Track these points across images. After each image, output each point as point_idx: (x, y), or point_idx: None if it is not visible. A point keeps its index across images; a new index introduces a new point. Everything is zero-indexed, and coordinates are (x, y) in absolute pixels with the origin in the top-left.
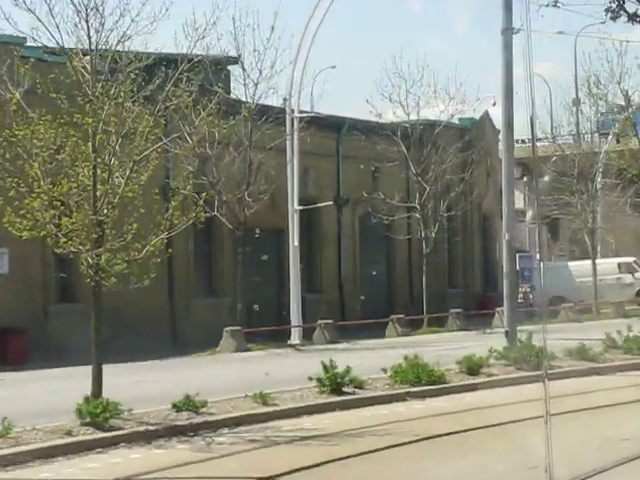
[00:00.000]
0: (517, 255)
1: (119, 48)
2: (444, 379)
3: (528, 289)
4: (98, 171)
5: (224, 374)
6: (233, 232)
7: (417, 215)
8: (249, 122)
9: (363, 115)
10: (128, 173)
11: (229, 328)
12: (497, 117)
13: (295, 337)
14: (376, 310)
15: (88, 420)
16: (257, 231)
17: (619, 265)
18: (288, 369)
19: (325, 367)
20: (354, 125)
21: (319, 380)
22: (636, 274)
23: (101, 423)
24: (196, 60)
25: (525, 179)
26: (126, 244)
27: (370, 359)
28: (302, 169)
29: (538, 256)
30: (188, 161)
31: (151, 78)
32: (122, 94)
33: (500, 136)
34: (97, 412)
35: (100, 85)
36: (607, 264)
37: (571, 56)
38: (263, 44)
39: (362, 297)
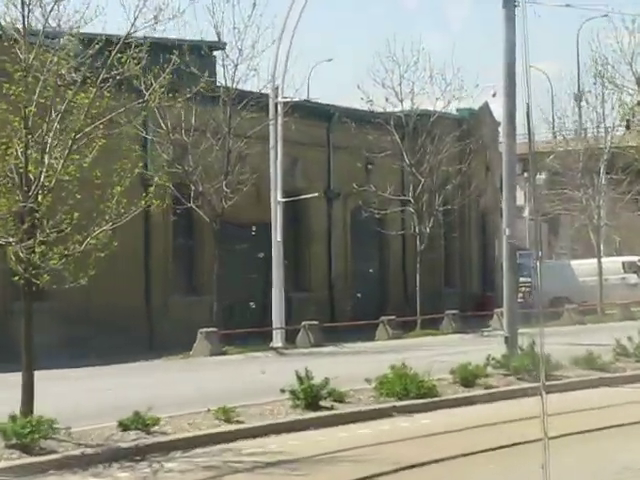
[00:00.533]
0: (517, 253)
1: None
2: (435, 391)
3: (528, 288)
4: (30, 151)
5: (191, 382)
6: (223, 225)
7: (411, 209)
8: (228, 107)
9: (356, 103)
10: (66, 153)
11: (204, 329)
12: (497, 109)
13: (277, 339)
14: (368, 310)
15: (14, 442)
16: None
17: (623, 264)
18: (264, 375)
19: (299, 378)
20: (346, 114)
21: (292, 393)
22: None
23: (30, 445)
24: (142, 40)
25: (526, 175)
26: (64, 236)
27: (356, 365)
28: (290, 160)
29: (540, 254)
30: (162, 149)
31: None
32: (61, 61)
33: (500, 127)
34: (24, 432)
35: (34, 51)
36: (611, 263)
37: (574, 54)
38: (244, 21)
39: (358, 295)
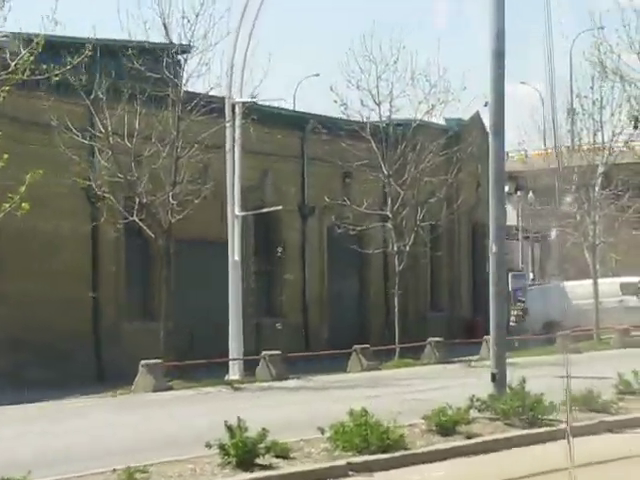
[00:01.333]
0: (509, 274)
1: None
2: (403, 443)
3: (521, 312)
4: None
5: (113, 427)
6: (176, 244)
7: (389, 225)
8: (176, 107)
9: (334, 110)
10: None
11: (146, 361)
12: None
13: (234, 372)
14: (346, 337)
15: None
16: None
17: (621, 286)
18: (206, 418)
19: (230, 429)
20: (321, 122)
21: (222, 448)
22: None
23: None
24: None
25: (519, 194)
26: None
27: (318, 404)
28: (260, 172)
29: (531, 275)
30: (103, 156)
31: None
32: None
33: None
34: None
35: None
36: (608, 284)
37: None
38: (194, 10)
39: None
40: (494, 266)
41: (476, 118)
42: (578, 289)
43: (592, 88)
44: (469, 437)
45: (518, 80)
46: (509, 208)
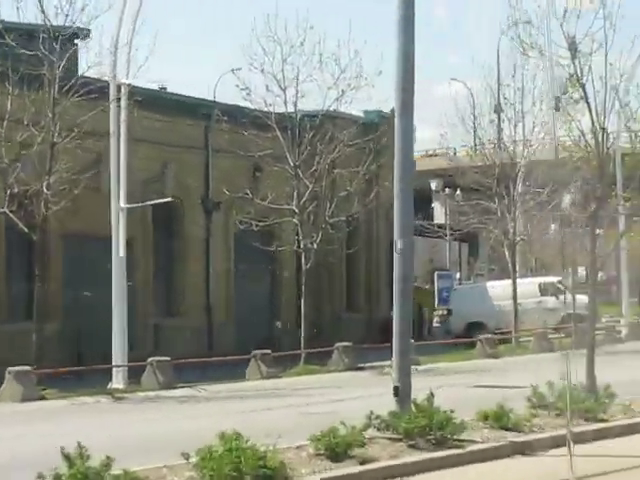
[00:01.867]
0: (436, 274)
1: None
2: (284, 471)
3: (445, 312)
4: None
5: None
6: (63, 238)
7: (295, 220)
8: (52, 88)
9: (241, 99)
10: None
11: (13, 368)
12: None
13: (118, 380)
14: (255, 341)
15: None
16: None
17: (541, 286)
18: (63, 436)
19: (67, 457)
20: (228, 111)
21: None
22: (561, 297)
23: None
24: None
25: (447, 191)
26: None
27: (203, 419)
28: (160, 163)
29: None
30: None
31: None
32: None
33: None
34: None
35: None
36: (527, 285)
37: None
38: None
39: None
40: (400, 264)
41: None
42: (499, 289)
43: (514, 76)
44: (363, 462)
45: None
46: (437, 206)
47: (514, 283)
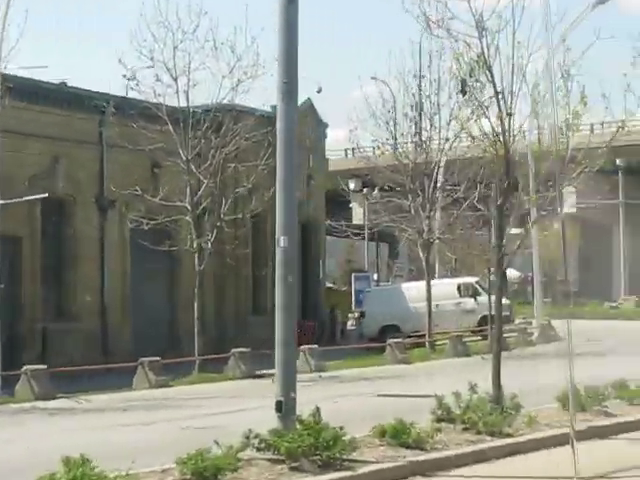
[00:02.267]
0: (353, 275)
1: None
2: None
3: (358, 314)
4: None
5: None
6: None
7: (188, 218)
8: None
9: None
10: None
11: None
12: (324, 107)
13: None
14: (154, 346)
15: None
16: None
17: (459, 287)
18: None
19: None
20: (122, 104)
21: None
22: (479, 298)
23: None
24: None
25: (365, 191)
26: None
27: (66, 436)
28: (49, 159)
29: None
30: None
31: None
32: None
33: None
34: None
35: None
36: (445, 286)
37: None
38: None
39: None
40: (282, 264)
41: (307, 105)
42: (414, 291)
43: (429, 67)
44: None
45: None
46: (355, 206)
47: (428, 284)
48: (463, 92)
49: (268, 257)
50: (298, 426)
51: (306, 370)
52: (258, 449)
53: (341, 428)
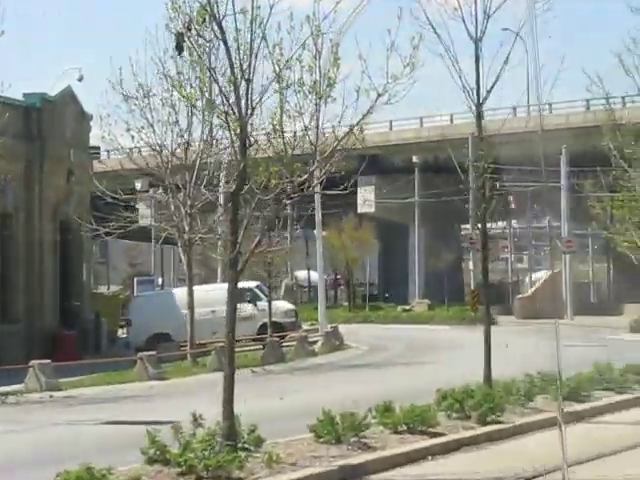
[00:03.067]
0: (135, 280)
1: None
2: None
3: (124, 322)
4: None
5: None
6: None
7: None
8: None
9: None
10: None
11: None
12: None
13: None
14: None
15: None
16: None
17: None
18: None
19: None
20: None
21: None
22: (259, 303)
23: None
24: None
25: (151, 192)
26: None
27: None
28: None
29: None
30: None
31: None
32: None
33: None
34: None
35: None
36: (222, 290)
37: None
38: None
39: None
40: None
41: (67, 94)
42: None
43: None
44: None
45: None
46: (142, 206)
47: (190, 288)
48: (179, 50)
49: (23, 261)
50: None
51: (36, 389)
52: None
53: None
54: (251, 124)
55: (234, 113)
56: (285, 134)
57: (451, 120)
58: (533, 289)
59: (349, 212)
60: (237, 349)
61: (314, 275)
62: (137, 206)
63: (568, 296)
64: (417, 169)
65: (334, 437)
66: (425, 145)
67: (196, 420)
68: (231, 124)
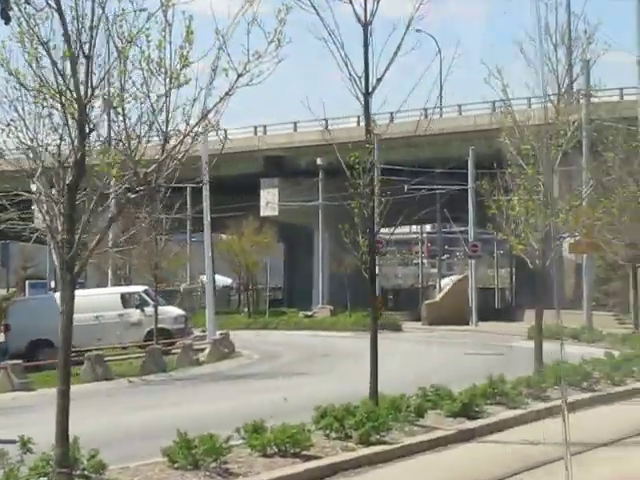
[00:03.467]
0: (27, 283)
1: None
2: None
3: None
4: None
5: None
6: None
7: None
8: None
9: None
10: None
11: None
12: None
13: None
14: None
15: None
16: None
17: (123, 297)
18: None
19: None
20: None
21: None
22: (147, 309)
23: None
24: None
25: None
26: None
27: None
28: None
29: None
30: None
31: None
32: None
33: None
34: None
35: None
36: (107, 295)
37: None
38: None
39: None
40: None
41: None
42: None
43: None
44: None
45: None
46: (37, 208)
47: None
48: (5, 18)
49: None
50: None
51: None
52: None
53: None
54: (92, 106)
55: (71, 93)
56: (127, 118)
57: (358, 122)
58: (441, 295)
59: (250, 215)
60: (122, 356)
61: (221, 279)
62: (32, 207)
63: (473, 302)
64: (321, 171)
65: (190, 462)
66: (330, 147)
67: (25, 444)
68: (67, 106)
